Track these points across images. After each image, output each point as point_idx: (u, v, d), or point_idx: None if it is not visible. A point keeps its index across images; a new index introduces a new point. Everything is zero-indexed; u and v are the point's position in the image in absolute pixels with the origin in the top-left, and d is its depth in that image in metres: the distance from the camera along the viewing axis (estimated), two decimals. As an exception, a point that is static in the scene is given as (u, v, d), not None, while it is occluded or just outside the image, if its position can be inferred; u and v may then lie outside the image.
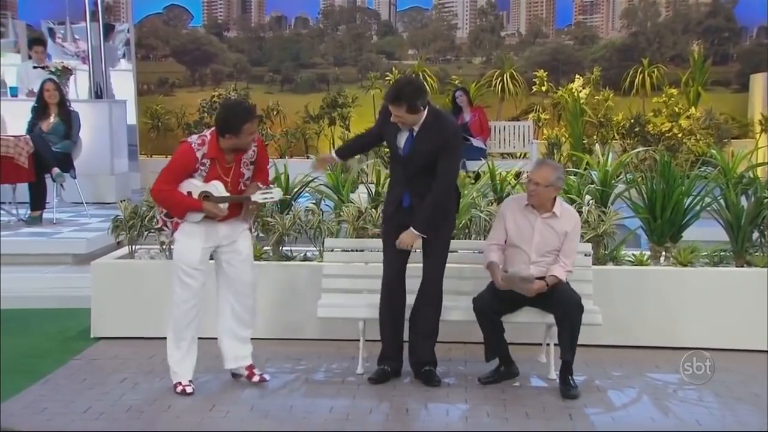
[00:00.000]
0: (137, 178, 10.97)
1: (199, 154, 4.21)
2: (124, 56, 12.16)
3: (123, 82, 11.74)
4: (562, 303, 4.45)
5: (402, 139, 4.45)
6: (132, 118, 11.49)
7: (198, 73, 12.86)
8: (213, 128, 4.27)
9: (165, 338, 4.49)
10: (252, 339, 4.69)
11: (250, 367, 4.63)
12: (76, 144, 8.58)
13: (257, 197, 4.33)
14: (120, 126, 10.30)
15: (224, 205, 4.29)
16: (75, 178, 8.46)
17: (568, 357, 4.46)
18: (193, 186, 4.27)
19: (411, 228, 4.43)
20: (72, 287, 6.31)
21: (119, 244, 6.17)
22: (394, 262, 4.56)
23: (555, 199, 4.59)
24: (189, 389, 4.42)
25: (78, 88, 10.58)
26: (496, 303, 4.55)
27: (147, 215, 5.56)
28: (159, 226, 4.54)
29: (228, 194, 4.30)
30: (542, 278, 4.49)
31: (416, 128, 4.40)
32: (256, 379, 4.59)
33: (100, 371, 4.85)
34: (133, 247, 5.70)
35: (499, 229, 4.68)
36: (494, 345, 4.63)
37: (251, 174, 4.40)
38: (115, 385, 4.61)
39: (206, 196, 4.27)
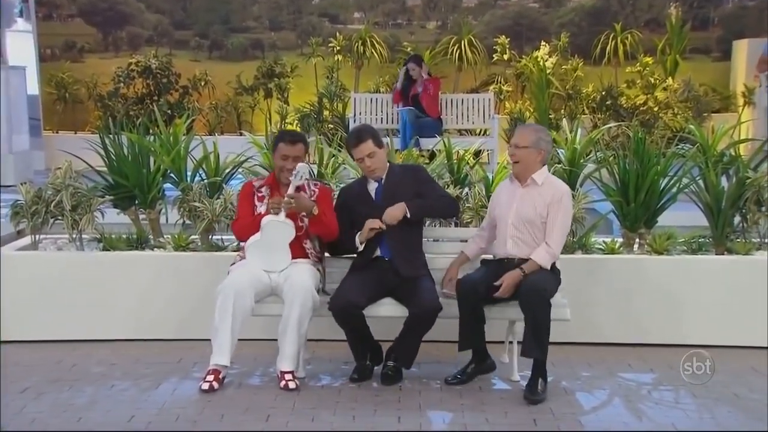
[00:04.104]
0: (41, 157, 10.74)
1: (257, 183, 4.97)
2: (21, 15, 11.86)
3: (21, 45, 11.46)
4: (522, 293, 4.52)
5: (372, 190, 4.88)
6: (34, 87, 11.24)
7: (111, 36, 12.63)
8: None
9: (74, 341, 4.42)
10: (182, 340, 5.13)
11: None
12: (-34, 118, 8.38)
13: (290, 190, 4.68)
14: (19, 97, 10.07)
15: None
16: (-34, 157, 8.27)
17: (534, 354, 4.50)
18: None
19: (404, 203, 4.74)
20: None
21: (20, 234, 6.04)
22: (360, 296, 4.61)
23: (541, 168, 4.69)
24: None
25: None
26: (483, 287, 4.59)
27: (53, 200, 5.45)
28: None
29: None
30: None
31: (383, 177, 4.86)
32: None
33: (-2, 380, 4.78)
34: (37, 236, 5.59)
35: (487, 213, 4.96)
36: (471, 334, 4.66)
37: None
38: (15, 395, 4.53)
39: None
